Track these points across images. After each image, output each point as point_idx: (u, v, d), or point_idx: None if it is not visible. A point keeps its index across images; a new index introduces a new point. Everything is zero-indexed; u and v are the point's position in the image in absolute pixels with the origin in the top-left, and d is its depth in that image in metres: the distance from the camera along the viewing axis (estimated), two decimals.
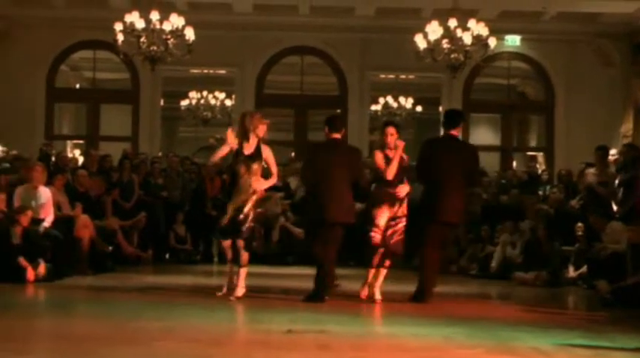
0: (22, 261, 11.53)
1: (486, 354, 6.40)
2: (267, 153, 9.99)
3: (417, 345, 6.74)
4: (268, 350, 6.43)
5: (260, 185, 9.85)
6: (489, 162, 21.75)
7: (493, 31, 17.12)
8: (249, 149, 9.86)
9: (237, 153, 9.88)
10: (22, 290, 10.72)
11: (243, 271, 9.91)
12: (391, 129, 10.00)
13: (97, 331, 7.30)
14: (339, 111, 22.28)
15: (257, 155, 9.88)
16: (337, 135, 9.93)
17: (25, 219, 11.84)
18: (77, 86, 24.45)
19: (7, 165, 15.30)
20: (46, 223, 12.51)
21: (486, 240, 15.62)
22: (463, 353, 6.46)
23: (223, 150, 10.03)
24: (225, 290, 9.96)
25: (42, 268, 11.63)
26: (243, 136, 9.89)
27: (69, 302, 9.97)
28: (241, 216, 9.73)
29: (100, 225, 14.09)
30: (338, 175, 9.67)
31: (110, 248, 14.19)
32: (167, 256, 16.62)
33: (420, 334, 7.36)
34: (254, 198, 9.81)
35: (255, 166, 9.86)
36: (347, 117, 21.77)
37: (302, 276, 13.30)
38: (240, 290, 9.86)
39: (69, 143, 23.28)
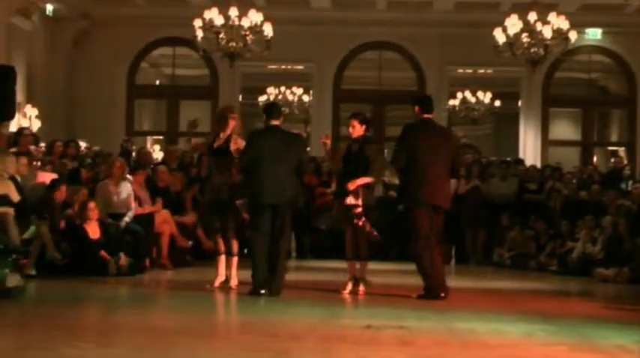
0: (104, 254, 11.75)
1: (570, 352, 6.28)
2: (238, 144, 9.94)
3: (498, 342, 6.67)
4: (348, 345, 6.42)
5: None
6: (569, 157, 21.47)
7: (573, 25, 16.88)
8: (218, 143, 9.97)
9: (209, 148, 10.06)
10: (104, 284, 10.89)
11: (234, 260, 10.06)
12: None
13: (179, 324, 7.39)
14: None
15: (226, 149, 9.93)
16: (277, 123, 9.83)
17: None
18: (157, 82, 24.77)
19: (89, 160, 15.53)
20: (127, 218, 12.70)
21: (566, 236, 15.39)
22: (546, 351, 6.36)
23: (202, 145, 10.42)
24: (217, 282, 10.02)
25: (123, 262, 11.83)
26: (214, 131, 10.08)
27: (150, 295, 10.10)
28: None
29: (180, 221, 14.23)
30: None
31: (190, 243, 14.32)
32: (245, 251, 16.68)
33: (501, 330, 7.29)
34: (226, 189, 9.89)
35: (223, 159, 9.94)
36: None
37: (386, 272, 13.30)
38: (234, 280, 10.00)
39: (149, 139, 23.58)
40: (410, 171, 9.64)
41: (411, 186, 9.65)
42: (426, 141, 9.67)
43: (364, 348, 6.30)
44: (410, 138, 9.73)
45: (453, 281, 12.51)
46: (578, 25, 17.73)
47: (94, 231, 11.99)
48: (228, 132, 9.94)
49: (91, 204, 12.13)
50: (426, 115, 9.90)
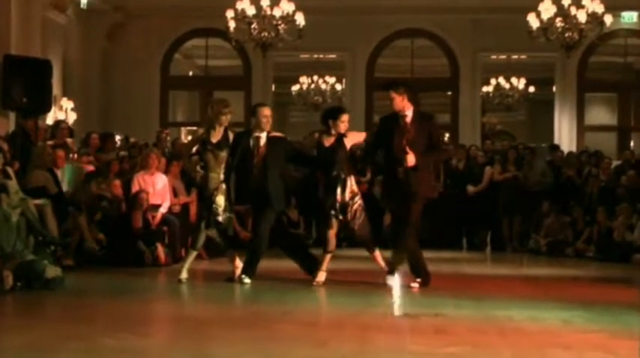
0: (141, 245, 11.84)
1: (609, 339, 6.23)
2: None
3: (536, 329, 6.64)
4: (385, 333, 6.43)
5: None
6: (606, 143, 21.28)
7: (609, 8, 16.66)
8: (216, 138, 9.81)
9: (204, 143, 9.87)
10: (142, 275, 10.95)
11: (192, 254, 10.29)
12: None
13: (216, 314, 7.42)
14: (449, 93, 22.14)
15: (224, 143, 9.81)
16: None
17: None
18: (190, 74, 24.85)
19: (124, 152, 15.60)
20: (163, 209, 12.75)
21: (603, 223, 15.25)
22: (585, 337, 6.30)
23: (194, 141, 10.31)
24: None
25: (160, 252, 11.92)
26: (210, 125, 9.87)
27: (187, 285, 10.13)
28: (214, 206, 9.81)
29: None
30: None
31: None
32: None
33: (539, 317, 7.25)
34: (223, 187, 9.80)
35: (223, 154, 9.80)
36: (458, 100, 21.60)
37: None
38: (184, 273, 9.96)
39: (183, 129, 23.68)
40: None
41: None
42: None
43: (402, 337, 6.30)
44: None
45: (489, 269, 12.48)
46: (613, 8, 17.51)
47: (137, 221, 12.11)
48: (225, 124, 9.87)
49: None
50: None
